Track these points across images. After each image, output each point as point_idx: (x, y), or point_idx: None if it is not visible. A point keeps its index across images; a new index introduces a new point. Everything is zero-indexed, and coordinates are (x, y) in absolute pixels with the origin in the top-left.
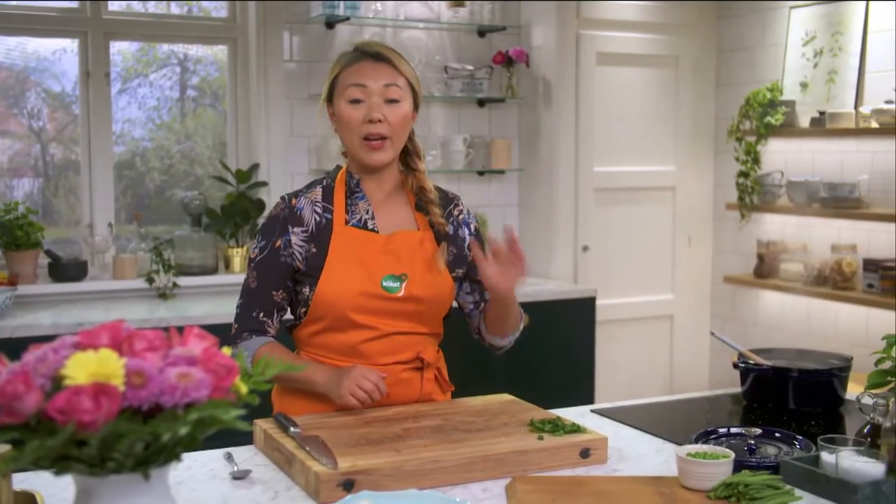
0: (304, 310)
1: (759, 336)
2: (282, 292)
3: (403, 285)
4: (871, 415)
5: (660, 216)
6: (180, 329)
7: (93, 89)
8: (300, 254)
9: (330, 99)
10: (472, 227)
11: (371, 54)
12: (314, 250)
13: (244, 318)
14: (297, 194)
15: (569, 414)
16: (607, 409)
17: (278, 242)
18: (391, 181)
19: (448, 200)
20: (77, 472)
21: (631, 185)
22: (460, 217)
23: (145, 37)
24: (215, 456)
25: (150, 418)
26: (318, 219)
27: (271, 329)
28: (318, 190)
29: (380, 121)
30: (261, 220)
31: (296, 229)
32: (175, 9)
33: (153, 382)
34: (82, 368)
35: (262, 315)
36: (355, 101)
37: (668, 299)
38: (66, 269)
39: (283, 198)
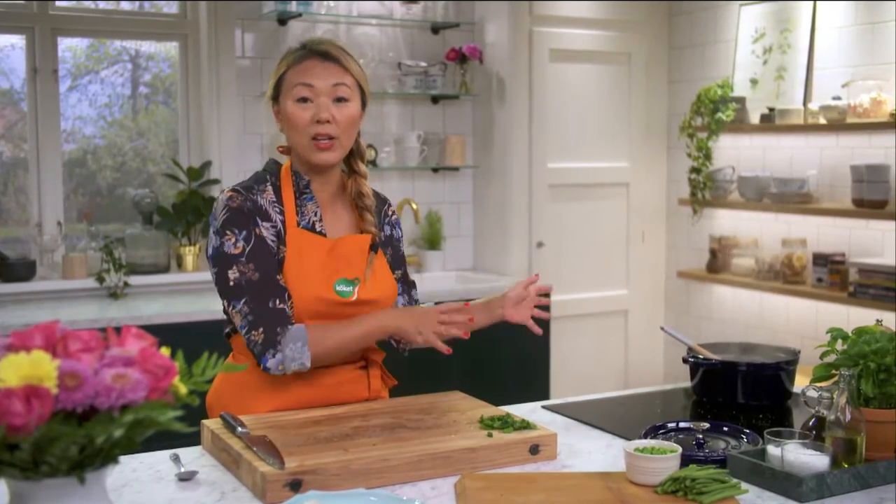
0: None
1: (713, 330)
2: (281, 277)
3: (356, 289)
4: (816, 408)
5: (613, 212)
6: (118, 329)
7: (40, 86)
8: (272, 248)
9: (275, 97)
10: (400, 227)
11: (319, 53)
12: (283, 253)
13: (265, 315)
14: (251, 190)
15: (520, 410)
16: (558, 404)
17: (257, 230)
18: (335, 183)
19: (381, 202)
20: (9, 476)
21: (584, 182)
22: (393, 218)
23: (94, 33)
24: (161, 457)
25: (85, 420)
26: (280, 218)
27: (290, 312)
28: (269, 188)
29: (328, 121)
30: (215, 217)
31: (265, 223)
32: (125, 5)
33: (88, 384)
34: (14, 370)
35: (277, 302)
36: (303, 101)
37: (622, 294)
38: (15, 269)
39: (236, 191)
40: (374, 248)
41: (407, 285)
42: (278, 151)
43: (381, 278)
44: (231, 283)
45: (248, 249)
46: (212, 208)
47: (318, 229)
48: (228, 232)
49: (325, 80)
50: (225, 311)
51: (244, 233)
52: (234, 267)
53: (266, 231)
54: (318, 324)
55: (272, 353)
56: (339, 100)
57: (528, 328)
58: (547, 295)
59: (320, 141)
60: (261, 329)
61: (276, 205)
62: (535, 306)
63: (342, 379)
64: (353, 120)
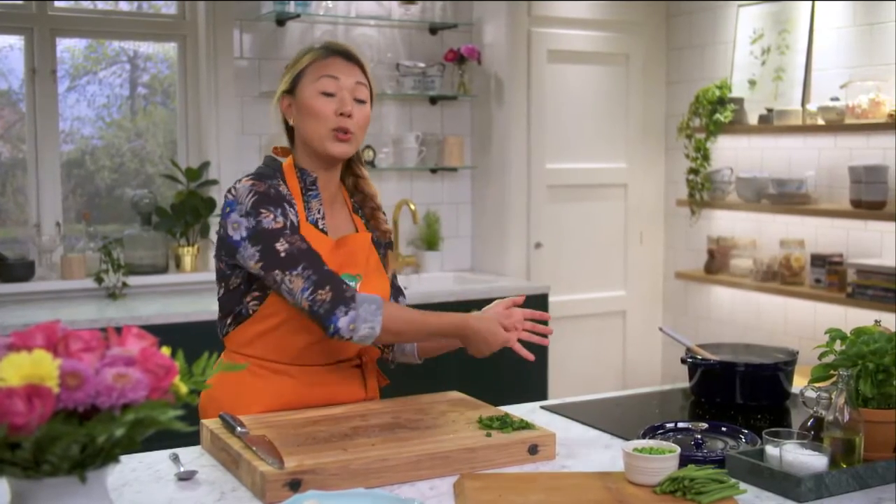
0: (255, 305)
1: (711, 331)
2: None
3: (358, 285)
4: (815, 408)
5: (612, 213)
6: (118, 329)
7: (39, 87)
8: None
9: (290, 90)
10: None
11: (342, 52)
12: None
13: (328, 276)
14: (266, 180)
15: (518, 410)
16: (557, 405)
17: (289, 212)
18: (337, 181)
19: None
20: (11, 475)
21: (583, 182)
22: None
23: (93, 33)
24: (161, 457)
25: (86, 420)
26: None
27: None
28: (281, 182)
29: (349, 115)
30: (239, 202)
31: (290, 210)
32: (124, 6)
33: (89, 384)
34: (15, 370)
35: (331, 269)
36: (327, 94)
37: (620, 295)
38: (13, 269)
39: (259, 179)
40: (389, 245)
41: (395, 290)
42: (273, 153)
43: (381, 276)
44: (283, 255)
45: (288, 224)
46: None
47: (321, 227)
48: (263, 210)
49: (350, 78)
50: (236, 296)
51: (279, 210)
52: (281, 239)
53: (292, 216)
54: (405, 307)
55: (344, 310)
56: (358, 100)
57: (514, 351)
58: (545, 322)
59: (340, 133)
60: (328, 287)
61: (290, 197)
62: (531, 331)
63: (338, 378)
64: (368, 120)
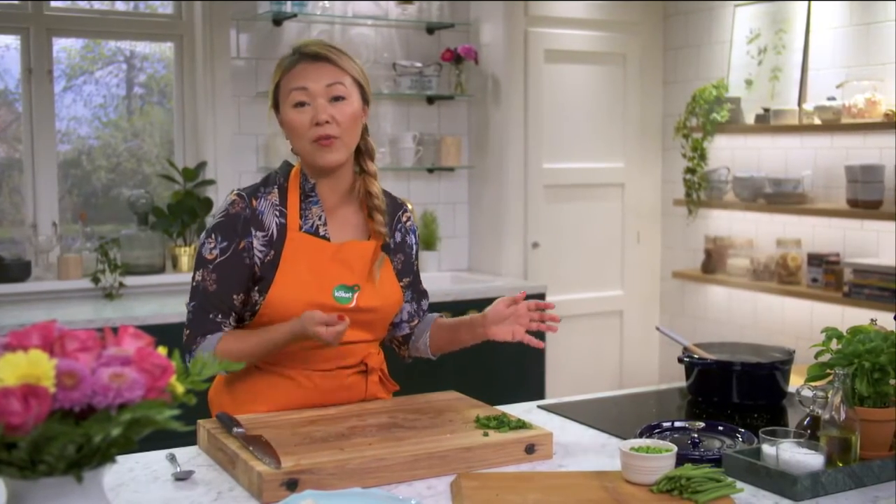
0: (249, 313)
1: (708, 330)
2: (242, 295)
3: (355, 296)
4: (811, 407)
5: (609, 213)
6: (115, 329)
7: (35, 86)
8: (259, 258)
9: (276, 106)
10: (416, 235)
11: (310, 55)
12: (270, 257)
13: (199, 322)
14: (255, 194)
15: (515, 410)
16: (554, 404)
17: (242, 244)
18: (345, 185)
19: (397, 206)
20: (7, 475)
21: (580, 182)
22: (408, 224)
23: (89, 33)
24: (158, 457)
25: (82, 420)
26: (277, 222)
27: (227, 328)
28: (275, 191)
29: (327, 122)
30: (214, 216)
31: (257, 233)
32: (120, 5)
33: (85, 383)
34: (11, 370)
35: (219, 317)
36: (300, 105)
37: (617, 295)
38: (9, 270)
39: (240, 195)
40: (388, 249)
41: (418, 294)
42: (293, 153)
43: (384, 285)
44: (193, 283)
45: (220, 261)
46: (208, 209)
47: (322, 233)
48: (213, 237)
49: (319, 82)
50: (237, 306)
51: (225, 243)
52: (202, 270)
53: (256, 240)
54: (239, 336)
55: (187, 357)
56: (337, 99)
57: (525, 343)
58: (542, 309)
59: (323, 141)
60: (188, 332)
61: (278, 207)
62: (540, 320)
63: (340, 384)
64: (353, 118)
